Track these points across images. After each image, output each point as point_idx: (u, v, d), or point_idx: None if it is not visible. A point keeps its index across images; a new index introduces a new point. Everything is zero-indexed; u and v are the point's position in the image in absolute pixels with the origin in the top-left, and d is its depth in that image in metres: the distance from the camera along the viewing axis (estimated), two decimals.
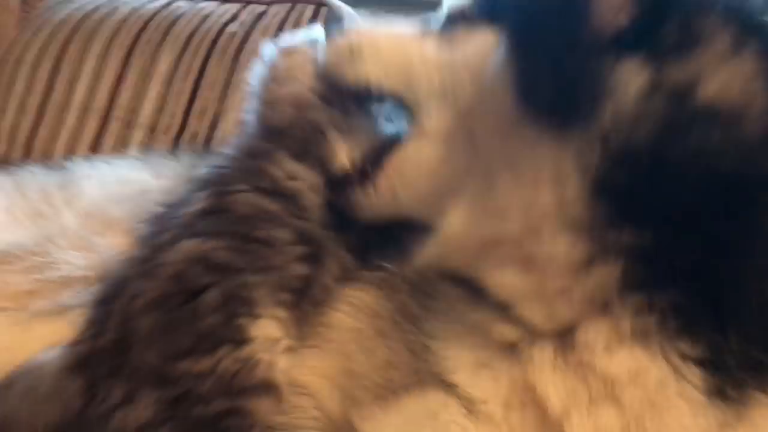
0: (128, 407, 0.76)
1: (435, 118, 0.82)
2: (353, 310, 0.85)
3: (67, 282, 0.97)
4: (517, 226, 0.71)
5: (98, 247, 1.03)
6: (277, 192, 0.86)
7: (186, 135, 1.67)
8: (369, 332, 0.84)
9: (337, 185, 0.88)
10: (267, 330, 0.80)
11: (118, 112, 1.72)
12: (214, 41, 1.72)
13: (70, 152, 1.73)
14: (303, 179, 0.88)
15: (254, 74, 1.00)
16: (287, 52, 1.00)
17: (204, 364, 0.77)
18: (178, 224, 0.86)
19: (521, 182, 0.71)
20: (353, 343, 0.84)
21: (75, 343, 0.81)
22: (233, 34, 1.72)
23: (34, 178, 1.15)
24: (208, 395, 0.76)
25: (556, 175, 0.68)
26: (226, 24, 1.75)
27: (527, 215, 0.70)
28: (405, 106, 0.85)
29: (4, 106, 1.84)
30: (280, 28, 1.72)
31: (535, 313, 0.72)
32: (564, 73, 0.68)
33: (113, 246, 1.03)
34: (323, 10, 1.73)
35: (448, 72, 0.81)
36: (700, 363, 0.67)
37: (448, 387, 0.75)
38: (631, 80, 0.67)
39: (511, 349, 0.73)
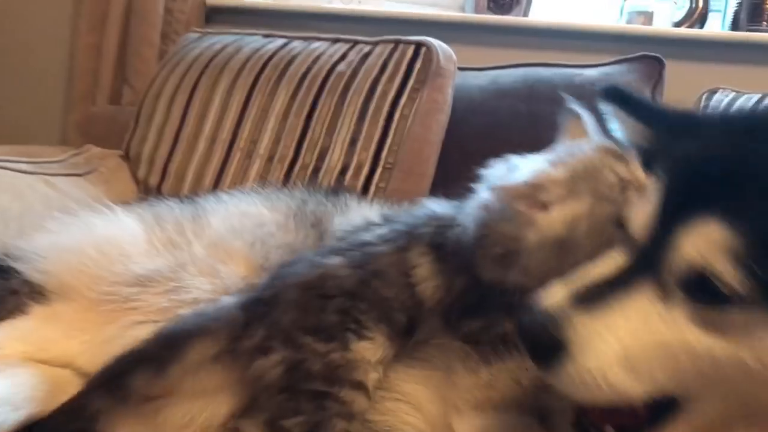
0: (263, 359, 1.03)
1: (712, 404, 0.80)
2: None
3: (196, 302, 1.17)
4: None
5: (221, 274, 1.23)
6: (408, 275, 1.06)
7: (297, 165, 1.88)
8: (474, 356, 1.00)
9: None
10: (365, 348, 1.02)
11: (240, 143, 1.95)
12: (324, 80, 1.92)
13: (200, 177, 1.98)
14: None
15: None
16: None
17: (320, 346, 1.01)
18: (347, 245, 1.12)
19: None
20: (458, 362, 1.00)
21: (249, 292, 1.10)
22: (341, 74, 1.92)
23: (171, 211, 1.37)
24: (317, 374, 1.00)
25: None
26: (335, 64, 1.95)
27: None
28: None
29: (145, 134, 2.11)
30: (383, 69, 1.89)
31: None
32: None
33: (234, 273, 1.23)
34: (423, 50, 1.90)
35: (729, 363, 0.76)
36: None
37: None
38: None
39: None
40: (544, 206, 0.97)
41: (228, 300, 1.12)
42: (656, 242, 0.79)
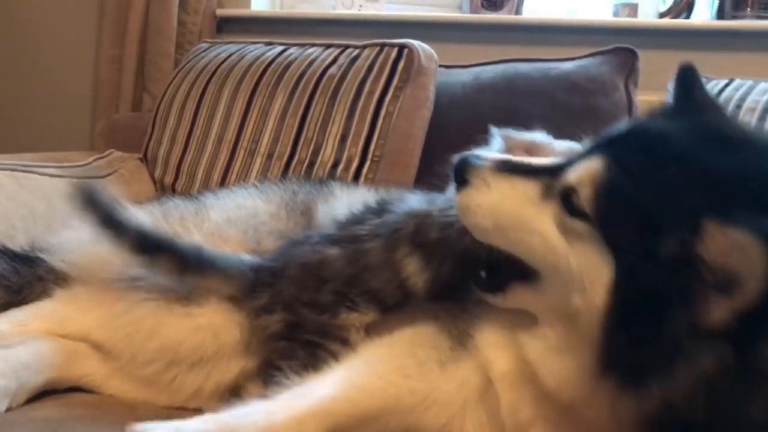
0: (268, 316, 1.25)
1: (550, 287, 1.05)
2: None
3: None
4: None
5: None
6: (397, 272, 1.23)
7: (294, 161, 2.06)
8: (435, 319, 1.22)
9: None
10: (354, 317, 1.23)
11: (244, 143, 2.14)
12: (317, 82, 2.10)
13: (209, 175, 2.17)
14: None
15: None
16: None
17: (314, 316, 1.23)
18: (341, 236, 1.29)
19: None
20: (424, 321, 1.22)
21: (267, 258, 1.33)
22: (332, 76, 2.09)
23: (176, 207, 1.56)
24: (313, 330, 1.22)
25: None
26: (327, 67, 2.12)
27: None
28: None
29: (161, 138, 2.32)
30: (370, 70, 2.06)
31: None
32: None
33: None
34: (405, 52, 2.06)
35: (562, 261, 1.01)
36: None
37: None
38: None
39: None
40: None
41: (246, 258, 1.34)
42: (567, 164, 1.05)
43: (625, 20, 2.59)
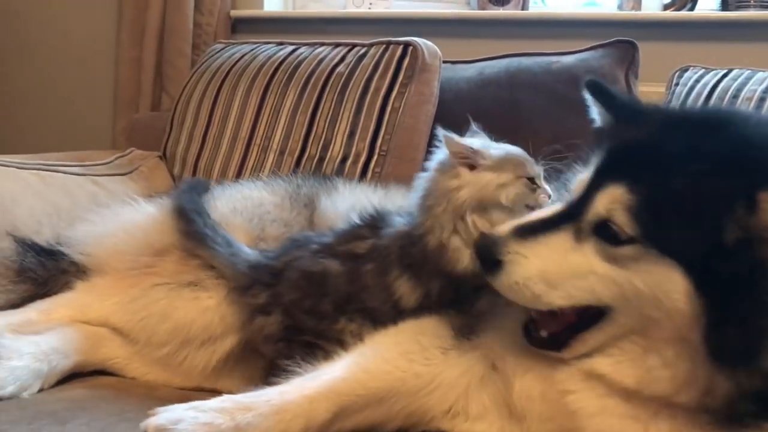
0: (264, 318, 1.33)
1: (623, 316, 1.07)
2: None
3: (202, 265, 1.46)
4: None
5: None
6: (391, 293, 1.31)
7: (305, 156, 2.14)
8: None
9: None
10: (351, 327, 1.30)
11: (257, 140, 2.23)
12: (326, 80, 2.18)
13: (224, 171, 2.26)
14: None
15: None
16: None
17: (312, 322, 1.31)
18: (341, 251, 1.36)
19: None
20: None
21: (267, 255, 1.41)
22: (341, 74, 2.17)
23: None
24: (311, 333, 1.30)
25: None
26: (336, 65, 2.20)
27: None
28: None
29: (178, 136, 2.41)
30: (376, 68, 2.14)
31: None
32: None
33: None
34: (410, 49, 2.14)
35: (627, 287, 1.04)
36: None
37: None
38: None
39: None
40: (472, 168, 1.23)
41: (246, 252, 1.43)
42: (581, 200, 1.10)
43: (629, 13, 2.64)
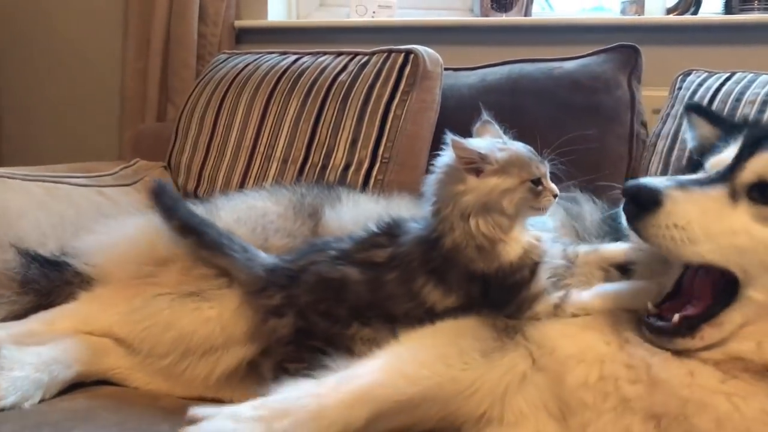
0: (277, 320, 1.34)
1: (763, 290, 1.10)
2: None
3: (204, 276, 1.47)
4: None
5: None
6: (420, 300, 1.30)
7: (308, 164, 2.15)
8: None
9: None
10: (365, 332, 1.30)
11: (260, 149, 2.24)
12: (329, 89, 2.19)
13: (228, 180, 2.27)
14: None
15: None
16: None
17: (325, 325, 1.31)
18: (360, 259, 1.36)
19: None
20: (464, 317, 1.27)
21: (284, 259, 1.41)
22: (343, 83, 2.18)
23: None
24: (319, 336, 1.30)
25: None
26: (338, 74, 2.21)
27: None
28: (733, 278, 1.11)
29: (183, 146, 2.42)
30: (378, 76, 2.15)
31: None
32: None
33: None
34: (411, 57, 2.14)
35: None
36: None
37: None
38: None
39: None
40: (478, 173, 1.23)
41: (262, 256, 1.43)
42: (730, 168, 1.15)
43: (632, 18, 2.64)
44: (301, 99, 2.21)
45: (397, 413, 1.14)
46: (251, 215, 1.62)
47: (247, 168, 2.25)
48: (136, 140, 2.75)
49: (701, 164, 1.29)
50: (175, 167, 2.43)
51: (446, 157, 1.29)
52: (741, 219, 1.10)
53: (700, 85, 2.12)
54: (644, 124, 2.18)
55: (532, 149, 1.28)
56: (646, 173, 2.01)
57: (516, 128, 2.11)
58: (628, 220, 1.14)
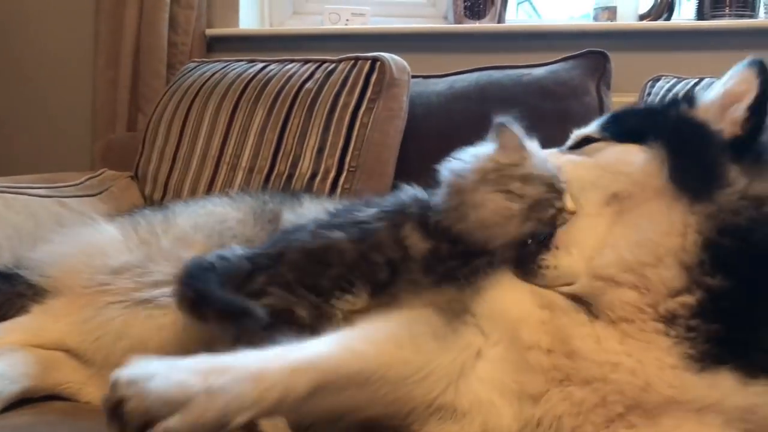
0: (264, 296, 1.26)
1: (590, 202, 1.20)
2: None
3: (158, 284, 1.43)
4: (648, 257, 1.11)
5: (184, 260, 1.48)
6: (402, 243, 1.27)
7: (274, 173, 2.12)
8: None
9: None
10: (346, 301, 1.25)
11: (226, 158, 2.21)
12: (295, 97, 2.17)
13: (194, 190, 2.24)
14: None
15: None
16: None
17: (312, 298, 1.25)
18: (345, 221, 1.32)
19: (658, 229, 1.12)
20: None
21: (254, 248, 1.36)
22: (309, 90, 2.16)
23: (145, 217, 1.62)
24: (307, 315, 1.24)
25: (682, 230, 1.10)
26: (305, 82, 2.19)
27: (656, 250, 1.11)
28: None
29: (150, 156, 2.39)
30: (344, 84, 2.13)
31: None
32: (699, 166, 1.12)
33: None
34: (377, 65, 2.12)
35: (594, 170, 1.22)
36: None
37: None
38: (736, 181, 1.10)
39: None
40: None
41: (238, 249, 1.36)
42: None
43: (604, 24, 2.63)
44: (267, 108, 2.19)
45: (343, 389, 1.10)
46: (209, 221, 1.59)
47: (213, 178, 2.22)
48: (105, 150, 2.72)
49: None
50: (142, 177, 2.40)
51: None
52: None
53: (668, 90, 2.12)
54: None
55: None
56: None
57: (484, 135, 2.11)
58: None
